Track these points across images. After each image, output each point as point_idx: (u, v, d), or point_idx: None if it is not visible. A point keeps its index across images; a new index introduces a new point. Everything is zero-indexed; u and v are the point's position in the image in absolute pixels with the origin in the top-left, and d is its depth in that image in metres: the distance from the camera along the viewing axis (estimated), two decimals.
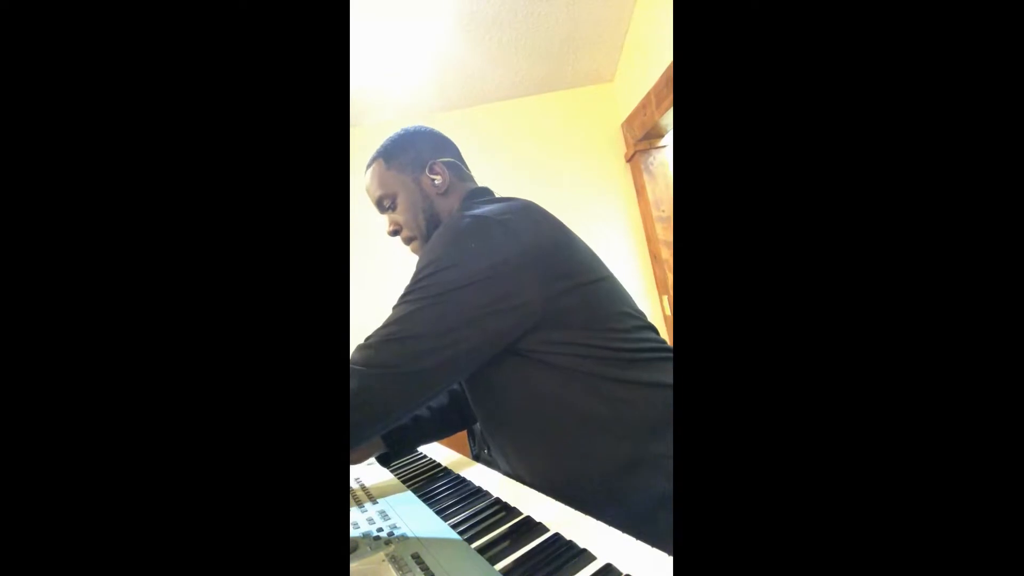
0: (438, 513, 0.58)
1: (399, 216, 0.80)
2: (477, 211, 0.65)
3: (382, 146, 0.82)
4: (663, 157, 2.23)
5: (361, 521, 0.59)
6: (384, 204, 0.81)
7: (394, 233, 0.82)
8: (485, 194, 0.81)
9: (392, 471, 0.82)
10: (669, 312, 2.21)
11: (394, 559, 0.47)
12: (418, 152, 0.81)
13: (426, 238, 0.79)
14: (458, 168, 0.83)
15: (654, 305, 2.32)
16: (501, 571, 0.43)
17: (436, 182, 0.79)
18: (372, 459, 0.92)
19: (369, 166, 0.82)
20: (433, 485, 0.70)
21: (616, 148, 2.35)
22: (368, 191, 0.83)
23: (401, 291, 0.62)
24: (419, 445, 0.88)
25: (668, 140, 2.18)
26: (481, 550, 0.47)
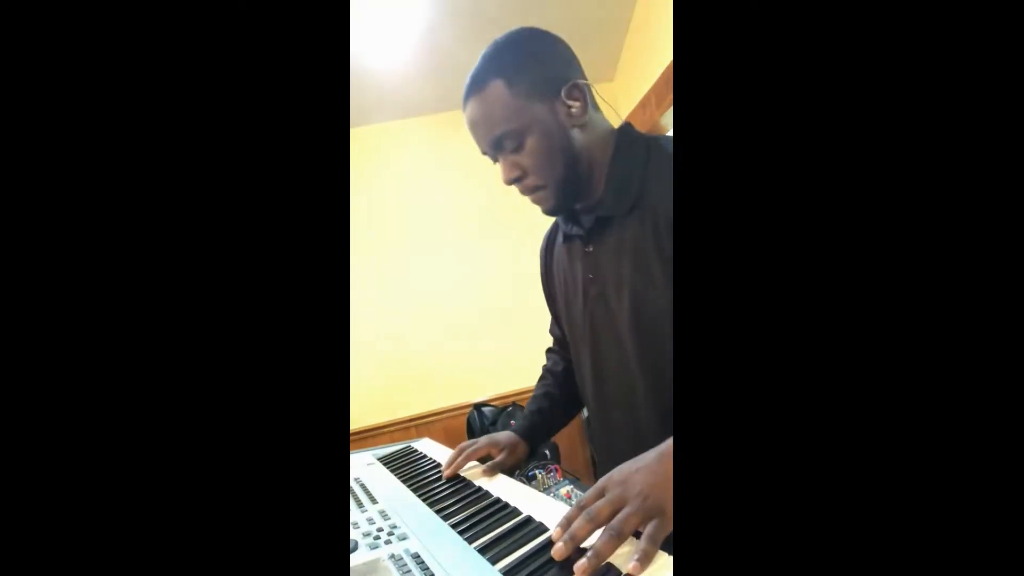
0: (438, 513, 0.58)
1: (526, 159, 0.60)
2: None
3: (495, 57, 0.60)
4: None
5: (361, 521, 0.59)
6: (506, 144, 0.60)
7: (514, 180, 0.63)
8: (633, 132, 0.65)
9: (392, 471, 0.82)
10: None
11: (394, 559, 0.47)
12: (550, 68, 0.60)
13: (563, 186, 0.62)
14: (591, 92, 0.62)
15: None
16: (501, 571, 0.43)
17: (574, 110, 0.60)
18: (374, 460, 0.92)
19: (477, 89, 0.60)
20: (433, 485, 0.70)
21: None
22: (477, 124, 0.61)
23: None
24: (554, 434, 0.87)
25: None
26: (481, 550, 0.47)
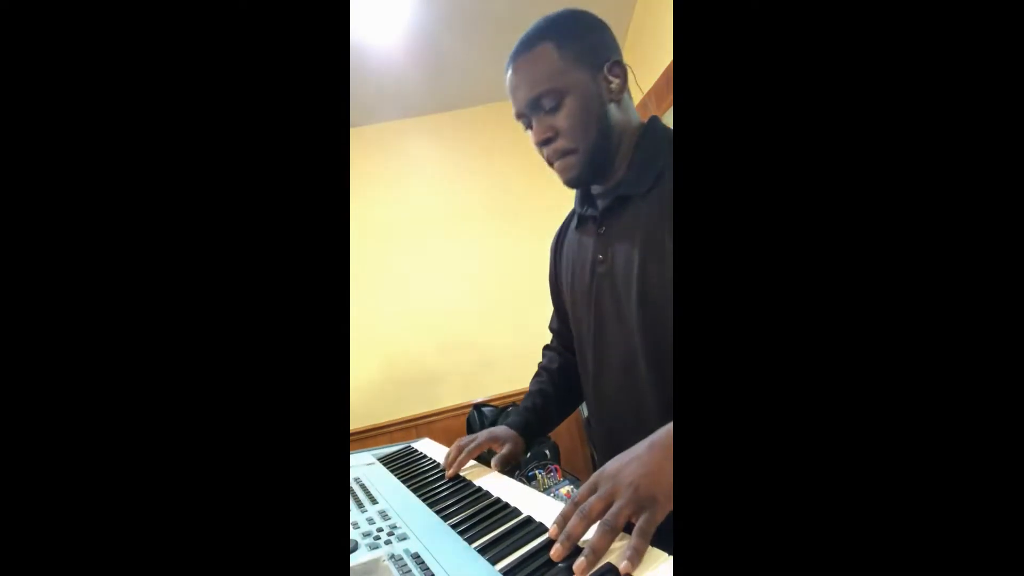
0: (438, 513, 0.58)
1: (562, 120, 0.62)
2: None
3: (548, 25, 0.63)
4: None
5: (361, 521, 0.59)
6: (544, 104, 0.62)
7: (545, 142, 0.64)
8: (660, 123, 0.67)
9: (392, 471, 0.82)
10: None
11: (394, 559, 0.47)
12: (597, 42, 0.63)
13: (591, 155, 0.64)
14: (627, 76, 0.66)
15: None
16: (501, 571, 0.43)
17: (613, 86, 0.63)
18: (374, 460, 0.92)
19: (526, 50, 0.63)
20: (433, 485, 0.70)
21: None
22: (519, 85, 0.63)
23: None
24: (548, 431, 0.87)
25: None
26: (481, 550, 0.47)
